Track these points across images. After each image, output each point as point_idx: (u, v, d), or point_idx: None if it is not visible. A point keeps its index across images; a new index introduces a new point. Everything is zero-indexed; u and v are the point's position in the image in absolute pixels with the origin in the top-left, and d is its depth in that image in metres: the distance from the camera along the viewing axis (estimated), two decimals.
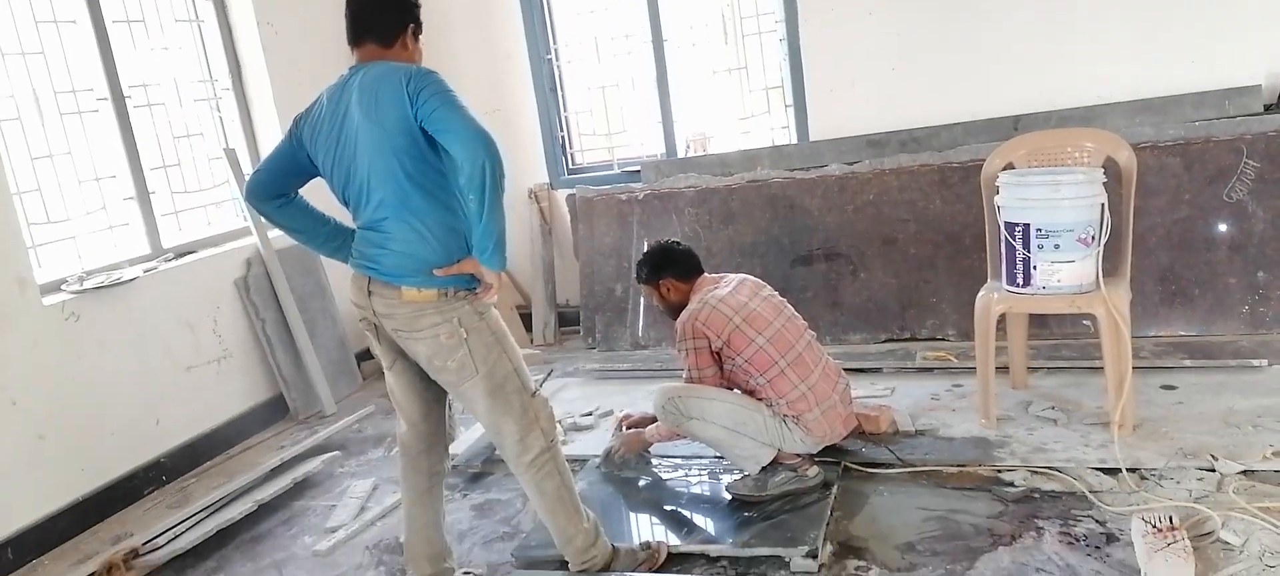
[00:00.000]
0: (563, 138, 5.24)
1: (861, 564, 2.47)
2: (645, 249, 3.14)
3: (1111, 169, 3.09)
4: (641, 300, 4.67)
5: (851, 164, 4.47)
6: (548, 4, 5.10)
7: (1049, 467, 2.82)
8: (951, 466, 2.93)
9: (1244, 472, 2.65)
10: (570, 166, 5.30)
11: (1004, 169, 3.18)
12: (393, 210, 2.22)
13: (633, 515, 2.91)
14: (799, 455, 2.85)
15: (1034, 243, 2.95)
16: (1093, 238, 2.92)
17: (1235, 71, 3.97)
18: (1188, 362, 3.51)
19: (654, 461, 3.21)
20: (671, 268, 3.01)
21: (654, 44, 4.89)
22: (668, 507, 2.92)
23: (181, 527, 3.19)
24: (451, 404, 2.57)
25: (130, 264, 3.84)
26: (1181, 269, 3.89)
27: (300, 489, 3.50)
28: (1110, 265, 3.07)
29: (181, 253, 4.10)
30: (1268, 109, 3.93)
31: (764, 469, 2.82)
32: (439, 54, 4.27)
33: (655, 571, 2.50)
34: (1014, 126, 4.19)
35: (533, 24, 5.05)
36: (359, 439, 4.01)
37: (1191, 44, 4.01)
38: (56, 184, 3.69)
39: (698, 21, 5.27)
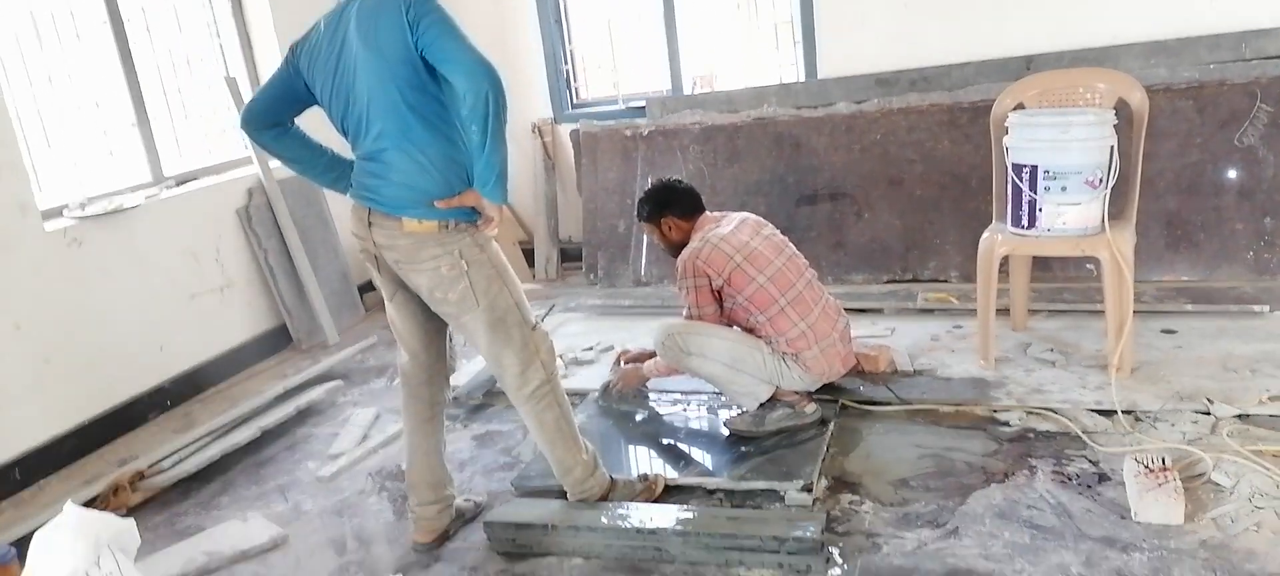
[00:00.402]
0: (567, 71, 5.18)
1: (855, 498, 2.51)
2: (647, 186, 3.11)
3: (1123, 111, 3.04)
4: (644, 237, 4.66)
5: (860, 103, 4.41)
6: None
7: (1044, 408, 2.84)
8: (948, 405, 2.95)
9: (1239, 416, 2.66)
10: (574, 101, 5.24)
11: (1014, 109, 3.14)
12: (393, 140, 2.20)
13: (631, 448, 2.94)
14: (797, 392, 2.87)
15: (1041, 184, 2.92)
16: (1100, 180, 2.89)
17: (1254, 13, 3.89)
18: (1189, 307, 3.51)
19: (652, 396, 3.24)
20: (673, 206, 2.99)
21: None
22: (666, 441, 2.96)
23: (187, 451, 3.24)
24: (452, 335, 2.58)
25: (131, 191, 3.83)
26: (1188, 214, 3.86)
27: (303, 416, 3.55)
28: (1116, 208, 3.05)
29: (183, 180, 4.09)
30: None
31: (762, 405, 2.84)
32: None
33: (652, 503, 2.53)
34: (1026, 66, 4.12)
35: None
36: (361, 369, 4.05)
37: None
38: (57, 109, 3.66)
39: None
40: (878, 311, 3.89)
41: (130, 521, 1.81)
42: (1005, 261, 3.19)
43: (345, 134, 2.31)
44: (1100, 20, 4.09)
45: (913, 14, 4.35)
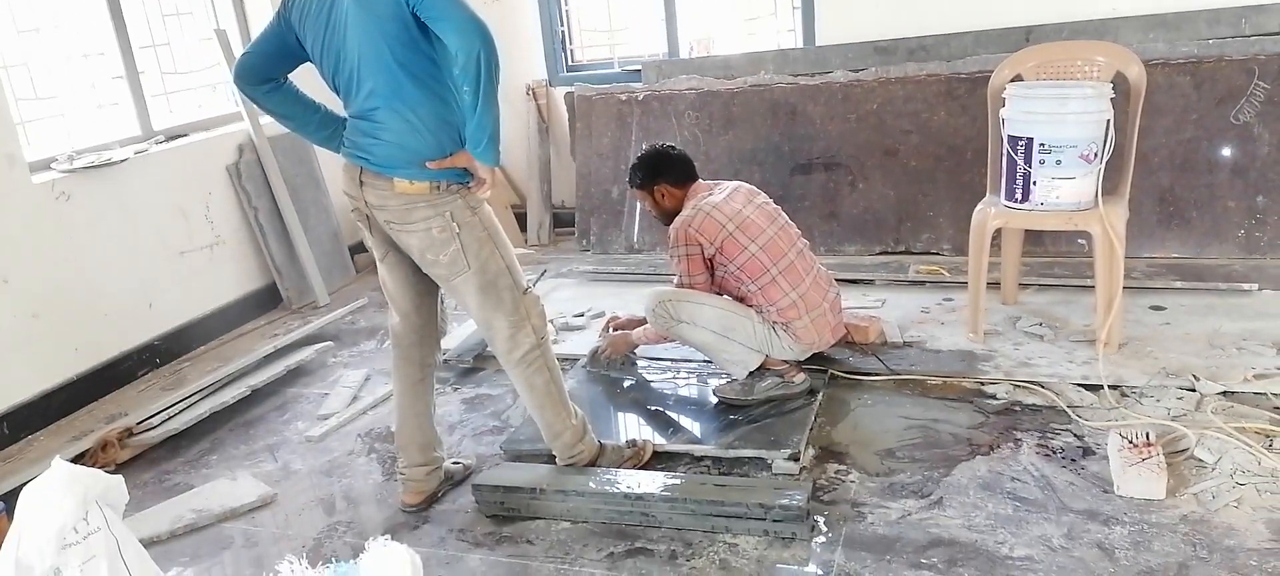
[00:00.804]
0: (563, 33, 5.12)
1: (841, 468, 2.53)
2: (641, 152, 3.09)
3: (1120, 85, 3.03)
4: (637, 204, 4.64)
5: (857, 71, 4.38)
6: None
7: (1031, 382, 2.86)
8: (936, 377, 2.96)
9: (1224, 393, 2.69)
10: (569, 63, 5.19)
11: (1012, 81, 3.12)
12: (384, 99, 2.17)
13: (620, 414, 2.95)
14: (786, 361, 2.88)
15: (1036, 158, 2.91)
16: (1095, 154, 2.88)
17: None
18: (1179, 284, 3.52)
19: (642, 363, 3.25)
20: (666, 173, 2.97)
21: None
22: (655, 408, 2.97)
23: (175, 409, 3.24)
24: (443, 297, 2.57)
25: (121, 144, 3.79)
26: (1181, 190, 3.86)
27: (293, 376, 3.55)
28: (1110, 184, 3.05)
29: (172, 135, 4.05)
30: None
31: (751, 374, 2.85)
32: None
33: (640, 469, 2.55)
34: (1026, 37, 4.09)
35: None
36: (352, 330, 4.04)
37: None
38: (44, 59, 3.60)
39: None
40: (869, 282, 3.90)
41: (119, 477, 1.81)
42: (997, 235, 3.20)
43: (337, 91, 2.28)
44: None
45: None
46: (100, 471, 1.80)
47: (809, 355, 2.94)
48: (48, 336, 3.35)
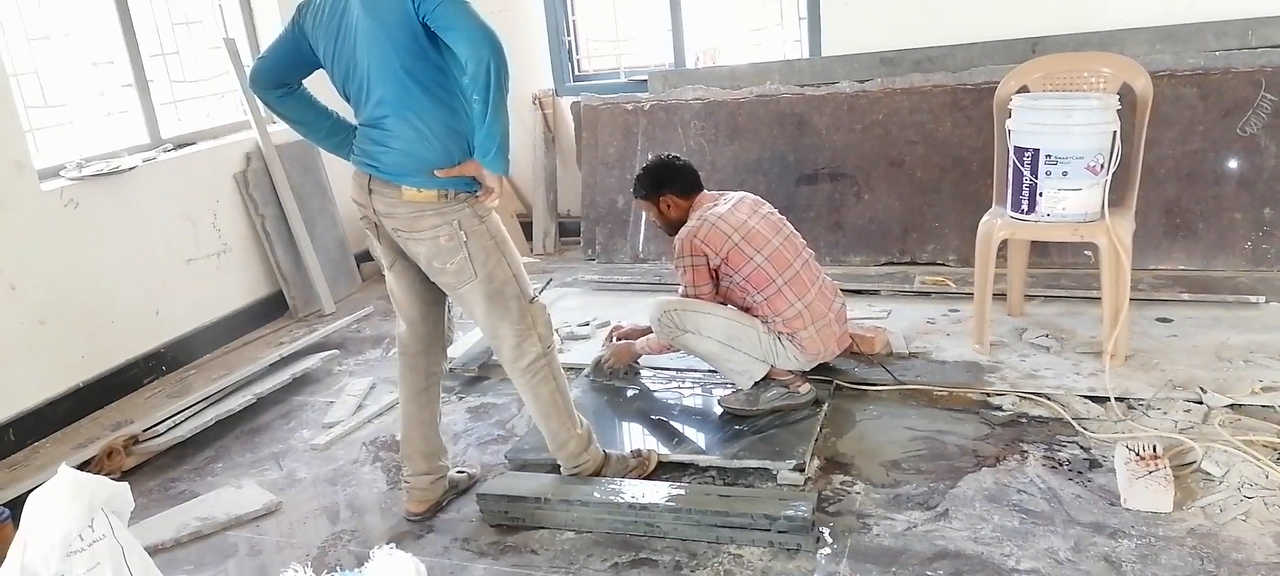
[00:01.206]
0: (569, 43, 5.13)
1: (847, 479, 2.52)
2: (646, 162, 3.09)
3: (1127, 97, 3.03)
4: (642, 214, 4.64)
5: (863, 82, 4.38)
6: None
7: (1038, 393, 2.85)
8: (942, 388, 2.96)
9: (1231, 406, 2.67)
10: (576, 73, 5.20)
11: (1018, 92, 3.12)
12: (393, 108, 2.18)
13: (625, 424, 2.95)
14: (791, 372, 2.88)
15: (1042, 168, 2.91)
16: (1102, 166, 2.88)
17: (1262, 1, 3.86)
18: (1185, 296, 3.51)
19: (647, 373, 3.24)
20: (672, 184, 2.96)
21: None
22: (659, 418, 2.96)
23: (181, 416, 3.24)
24: (451, 306, 2.58)
25: (129, 153, 3.80)
26: (1188, 202, 3.85)
27: (298, 385, 3.55)
28: (1117, 195, 3.04)
29: (181, 144, 4.06)
30: None
31: (756, 384, 2.84)
32: None
33: (645, 478, 2.54)
34: (1032, 49, 4.09)
35: None
36: (357, 338, 4.05)
37: None
38: (54, 67, 3.63)
39: None
40: (874, 293, 3.89)
41: (124, 485, 1.82)
42: (1003, 246, 3.19)
43: (347, 99, 2.30)
44: (1107, 4, 4.06)
45: None
46: (106, 478, 1.80)
47: (814, 365, 2.94)
48: (54, 343, 3.36)
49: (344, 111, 2.42)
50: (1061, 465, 2.47)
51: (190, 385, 3.67)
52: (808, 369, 2.93)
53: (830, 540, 2.25)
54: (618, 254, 4.76)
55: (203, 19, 4.34)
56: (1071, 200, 2.92)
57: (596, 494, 2.41)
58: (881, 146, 4.29)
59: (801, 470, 2.51)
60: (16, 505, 1.96)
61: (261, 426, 3.26)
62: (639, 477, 2.54)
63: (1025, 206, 3.00)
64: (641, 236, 4.71)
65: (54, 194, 3.39)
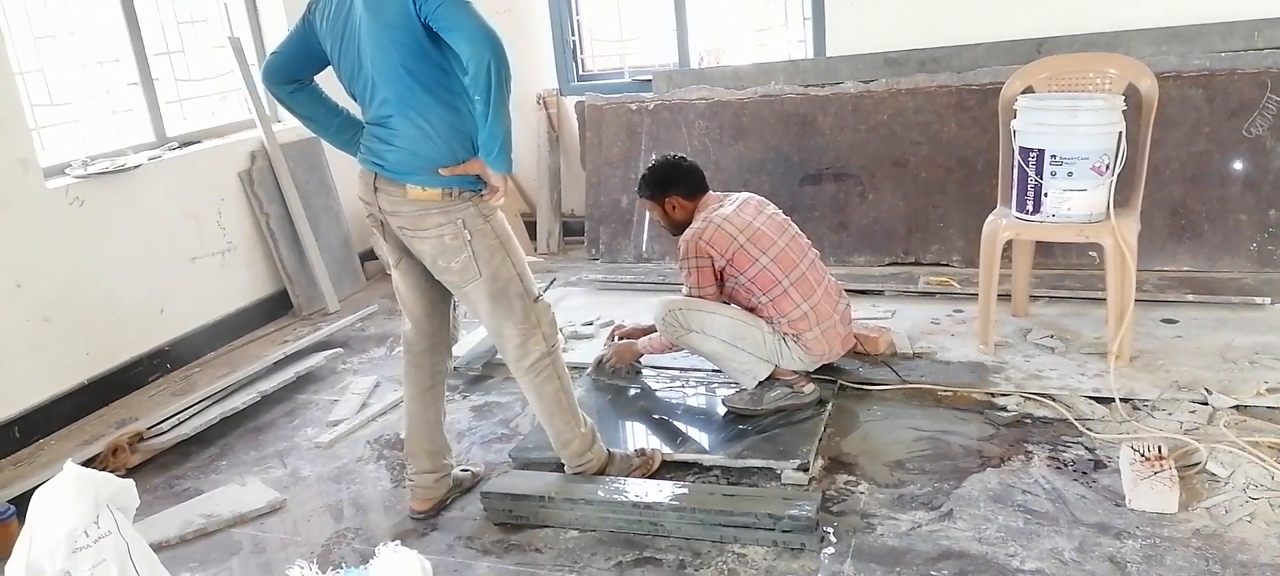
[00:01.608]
0: (574, 42, 5.13)
1: (851, 479, 2.52)
2: (650, 162, 3.08)
3: (1132, 98, 3.02)
4: (646, 213, 4.64)
5: (868, 82, 4.38)
6: None
7: (1042, 394, 2.84)
8: (946, 389, 2.95)
9: (1236, 407, 2.67)
10: (580, 73, 5.21)
11: (1023, 92, 3.12)
12: (397, 107, 2.19)
13: (629, 423, 2.95)
14: (796, 372, 2.88)
15: (1047, 169, 2.91)
16: (1107, 166, 2.88)
17: (1268, 1, 3.85)
18: (1191, 297, 3.50)
19: (649, 372, 3.24)
20: (677, 185, 2.96)
21: None
22: (663, 417, 2.96)
23: (186, 414, 3.25)
24: (456, 305, 2.58)
25: (134, 151, 3.81)
26: (1193, 203, 3.84)
27: (303, 383, 3.56)
28: (1122, 196, 3.04)
29: (186, 142, 4.07)
30: None
31: (760, 383, 2.84)
32: None
33: (648, 478, 2.54)
34: (1037, 49, 4.08)
35: None
36: (361, 337, 4.05)
37: None
38: (59, 65, 3.64)
39: None
40: (879, 293, 3.89)
41: (129, 482, 1.82)
42: (1008, 246, 3.19)
43: (354, 97, 2.31)
44: (1113, 4, 4.05)
45: None
46: (111, 475, 1.81)
47: (819, 366, 2.93)
48: (59, 341, 3.36)
49: (354, 109, 2.43)
50: (1066, 465, 2.47)
51: (195, 383, 3.67)
52: (812, 369, 2.93)
53: (834, 540, 2.25)
54: (621, 254, 4.76)
55: (208, 17, 4.34)
56: (1077, 201, 2.91)
57: (600, 493, 2.41)
58: (886, 147, 4.28)
59: (806, 470, 2.51)
60: (22, 502, 1.97)
61: (266, 424, 3.26)
62: (643, 477, 2.54)
63: (1030, 207, 3.00)
64: (645, 236, 4.72)
65: (59, 192, 3.39)
